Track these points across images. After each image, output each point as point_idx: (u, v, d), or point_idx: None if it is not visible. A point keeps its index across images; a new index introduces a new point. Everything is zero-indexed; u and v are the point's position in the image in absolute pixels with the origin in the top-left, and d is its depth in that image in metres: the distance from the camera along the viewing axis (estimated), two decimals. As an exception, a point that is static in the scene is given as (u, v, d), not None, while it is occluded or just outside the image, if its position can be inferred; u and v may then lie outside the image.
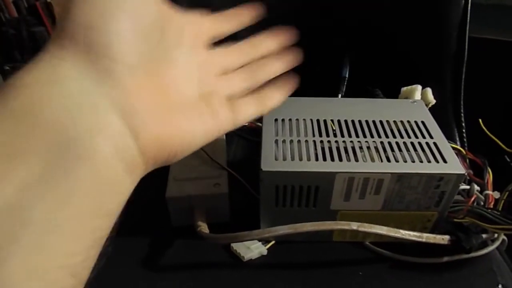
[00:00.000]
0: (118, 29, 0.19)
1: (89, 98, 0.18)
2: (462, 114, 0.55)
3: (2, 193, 0.14)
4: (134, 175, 0.20)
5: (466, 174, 0.37)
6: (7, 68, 1.22)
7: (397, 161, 0.36)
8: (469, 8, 0.52)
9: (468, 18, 0.52)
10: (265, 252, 0.40)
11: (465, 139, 0.55)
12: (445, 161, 0.36)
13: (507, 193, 0.41)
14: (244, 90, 0.28)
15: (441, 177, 0.35)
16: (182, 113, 0.23)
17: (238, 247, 0.39)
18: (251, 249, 0.39)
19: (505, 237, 0.40)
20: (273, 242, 0.40)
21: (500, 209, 0.40)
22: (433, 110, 0.46)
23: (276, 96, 0.30)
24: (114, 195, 0.19)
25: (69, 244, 0.16)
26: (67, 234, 0.16)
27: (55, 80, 0.17)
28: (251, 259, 0.39)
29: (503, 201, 0.41)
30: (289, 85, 0.31)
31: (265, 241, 0.40)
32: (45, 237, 0.15)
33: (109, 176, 0.18)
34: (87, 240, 0.17)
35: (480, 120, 0.47)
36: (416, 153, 0.37)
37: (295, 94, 0.46)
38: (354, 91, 0.54)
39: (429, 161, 0.36)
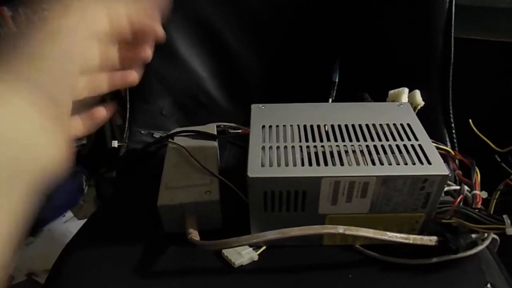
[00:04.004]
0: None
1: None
2: (451, 115, 0.55)
3: None
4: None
5: (450, 174, 0.37)
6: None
7: (382, 164, 0.37)
8: (453, 10, 0.53)
9: (453, 19, 0.53)
10: (256, 257, 0.40)
11: (455, 140, 0.55)
12: (429, 163, 0.36)
13: (498, 192, 0.41)
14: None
15: (425, 179, 0.36)
16: None
17: (229, 253, 0.40)
18: (242, 255, 0.40)
19: (496, 237, 0.40)
20: (264, 247, 0.41)
21: (491, 209, 0.40)
22: (422, 112, 0.46)
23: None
24: None
25: None
26: None
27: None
28: (242, 265, 0.39)
29: (494, 201, 0.41)
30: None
31: (256, 246, 0.41)
32: None
33: None
34: None
35: (470, 121, 0.47)
36: (401, 155, 0.38)
37: (285, 100, 0.47)
38: (343, 95, 0.55)
39: (413, 163, 0.36)
